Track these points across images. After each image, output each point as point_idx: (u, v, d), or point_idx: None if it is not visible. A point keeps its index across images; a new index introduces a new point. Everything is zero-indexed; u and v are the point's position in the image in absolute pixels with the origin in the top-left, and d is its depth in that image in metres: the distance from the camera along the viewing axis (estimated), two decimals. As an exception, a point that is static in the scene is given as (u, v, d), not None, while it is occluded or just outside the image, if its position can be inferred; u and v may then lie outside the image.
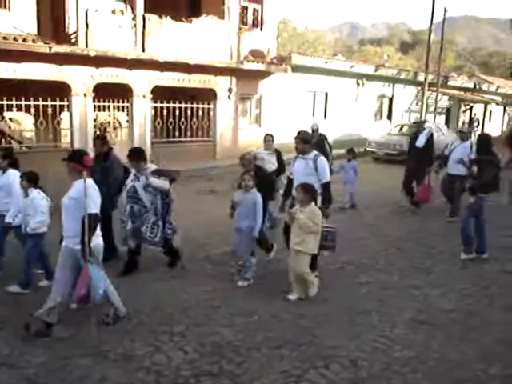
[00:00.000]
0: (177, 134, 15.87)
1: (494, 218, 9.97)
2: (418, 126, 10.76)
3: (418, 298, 5.79)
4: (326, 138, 11.88)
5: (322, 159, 6.23)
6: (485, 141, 7.43)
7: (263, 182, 6.35)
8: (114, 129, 15.12)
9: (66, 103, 13.70)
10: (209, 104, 16.73)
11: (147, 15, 14.49)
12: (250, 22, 17.92)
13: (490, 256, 7.35)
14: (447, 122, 27.71)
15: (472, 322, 5.17)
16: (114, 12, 14.17)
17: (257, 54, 17.53)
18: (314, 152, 6.34)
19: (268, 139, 9.26)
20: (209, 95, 16.70)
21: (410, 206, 10.35)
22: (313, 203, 5.59)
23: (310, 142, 6.60)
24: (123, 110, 14.85)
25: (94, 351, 4.39)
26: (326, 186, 6.06)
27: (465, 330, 5.00)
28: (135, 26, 14.29)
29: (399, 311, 5.39)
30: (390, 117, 25.08)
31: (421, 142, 10.06)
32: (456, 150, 9.20)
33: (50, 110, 13.08)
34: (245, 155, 6.77)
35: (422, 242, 8.08)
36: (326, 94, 21.33)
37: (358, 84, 22.59)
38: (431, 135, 10.29)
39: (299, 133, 6.52)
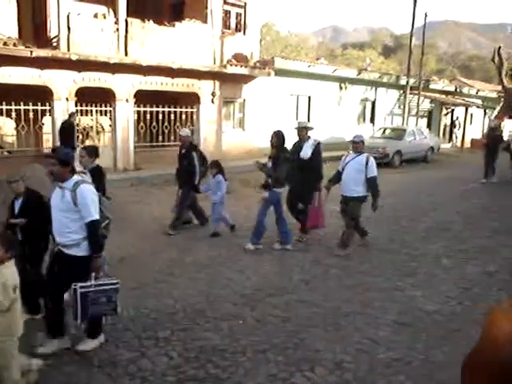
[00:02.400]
0: (160, 138, 15.82)
1: (475, 219, 10.16)
2: (300, 132, 8.26)
3: (401, 300, 5.84)
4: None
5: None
6: (279, 137, 7.47)
7: None
8: (97, 133, 15.02)
9: (47, 107, 13.58)
10: (192, 108, 16.70)
11: (130, 19, 14.43)
12: (232, 26, 17.94)
13: (468, 256, 7.45)
14: (429, 125, 28.00)
15: (455, 324, 5.22)
16: (96, 16, 14.11)
17: (240, 58, 17.55)
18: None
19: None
20: (192, 99, 16.67)
21: (300, 232, 8.31)
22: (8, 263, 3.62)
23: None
24: (106, 115, 14.77)
25: (79, 357, 4.35)
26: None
27: (448, 331, 5.05)
28: (118, 30, 14.23)
29: (383, 313, 5.42)
30: (372, 120, 25.25)
31: (306, 153, 7.92)
32: (350, 164, 7.45)
33: (31, 115, 12.96)
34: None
35: (406, 244, 8.15)
36: (309, 97, 21.42)
37: (341, 88, 22.72)
38: (318, 144, 8.08)
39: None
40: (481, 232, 9.12)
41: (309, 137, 8.14)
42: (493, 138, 15.16)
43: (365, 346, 4.69)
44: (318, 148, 8.02)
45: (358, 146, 7.47)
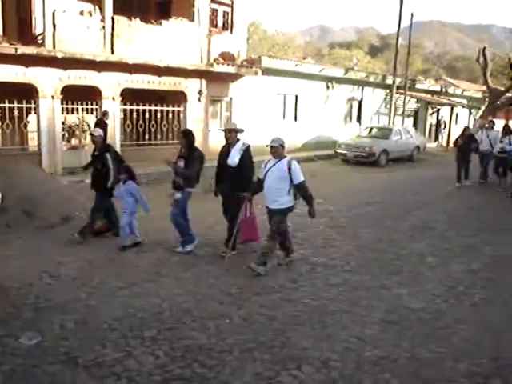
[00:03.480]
0: (147, 136, 15.74)
1: (460, 218, 10.25)
2: (229, 135, 7.22)
3: (388, 298, 5.87)
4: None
5: None
6: (188, 137, 7.26)
7: None
8: (83, 131, 14.90)
9: (33, 105, 13.47)
10: (179, 106, 16.65)
11: (116, 17, 14.34)
12: (220, 24, 17.90)
13: (453, 254, 7.51)
14: (415, 125, 28.19)
15: (440, 321, 5.27)
16: (82, 13, 14.00)
17: (227, 57, 17.52)
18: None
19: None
20: (179, 98, 16.62)
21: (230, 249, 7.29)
22: None
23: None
24: (92, 113, 14.66)
25: (64, 358, 4.32)
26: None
27: (433, 329, 5.09)
28: (104, 27, 14.13)
29: (370, 312, 5.45)
30: (359, 119, 25.37)
31: (234, 159, 7.03)
32: (271, 172, 6.54)
33: (16, 113, 12.83)
34: None
35: (392, 243, 8.20)
36: (296, 96, 21.47)
37: (328, 87, 22.79)
38: (247, 148, 7.20)
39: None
40: (465, 231, 9.20)
41: (238, 139, 7.22)
42: (466, 138, 14.35)
43: (351, 344, 4.70)
44: (247, 153, 7.13)
45: (276, 150, 6.51)
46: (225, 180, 7.16)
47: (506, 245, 8.28)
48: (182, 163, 7.12)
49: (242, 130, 7.44)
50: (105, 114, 14.18)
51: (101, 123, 13.46)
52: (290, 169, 6.37)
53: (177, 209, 7.27)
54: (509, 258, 7.59)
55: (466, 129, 15.10)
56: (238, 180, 6.96)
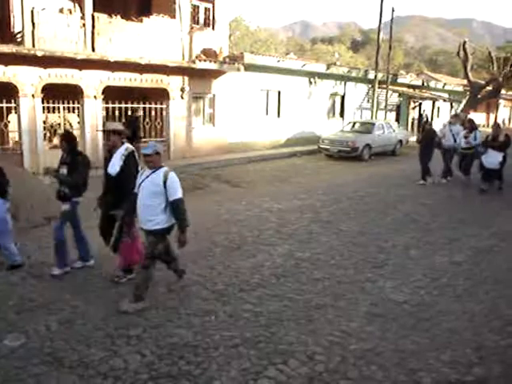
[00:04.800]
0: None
1: (442, 211, 10.36)
2: (111, 138, 6.12)
3: (372, 291, 5.92)
4: None
5: None
6: (69, 141, 6.24)
7: None
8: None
9: (13, 105, 13.31)
10: (161, 104, 16.58)
11: (96, 14, 14.22)
12: (201, 21, 17.84)
13: (436, 247, 7.60)
14: (398, 119, 28.38)
15: (424, 313, 5.33)
16: (61, 11, 13.85)
17: (209, 54, 17.49)
18: None
19: None
20: (161, 95, 16.55)
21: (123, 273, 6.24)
22: None
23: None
24: (74, 111, 14.54)
25: (49, 359, 4.29)
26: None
27: (417, 320, 5.15)
28: (84, 25, 14.01)
29: (355, 305, 5.50)
30: (342, 114, 25.47)
31: (114, 167, 5.94)
32: (145, 186, 5.38)
33: (-4, 112, 12.70)
34: None
35: (376, 237, 8.26)
36: (279, 92, 21.49)
37: (311, 82, 22.85)
38: (130, 154, 6.02)
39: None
40: (448, 223, 9.31)
41: (122, 143, 6.10)
42: (426, 132, 13.72)
43: (337, 337, 4.74)
44: (130, 160, 5.99)
45: (151, 159, 5.32)
46: (105, 193, 6.14)
47: (486, 237, 8.41)
48: (64, 170, 6.15)
49: (125, 132, 6.44)
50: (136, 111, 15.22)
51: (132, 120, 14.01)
52: (165, 182, 5.23)
53: (61, 223, 6.27)
54: (490, 250, 7.70)
55: (425, 123, 14.63)
56: (118, 193, 5.86)
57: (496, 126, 12.93)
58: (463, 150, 13.22)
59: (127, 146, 6.08)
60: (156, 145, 5.42)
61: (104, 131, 6.38)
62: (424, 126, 14.22)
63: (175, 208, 5.29)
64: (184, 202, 5.34)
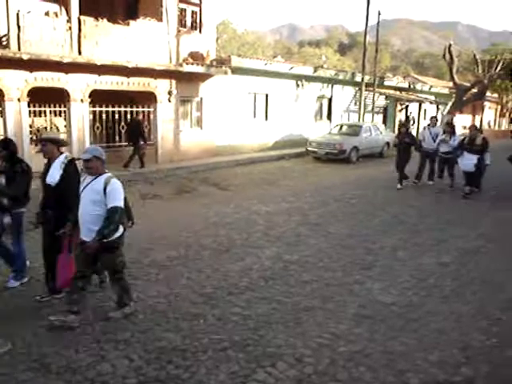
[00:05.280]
0: (117, 138, 15.58)
1: (430, 212, 10.44)
2: (45, 148, 5.70)
3: (360, 293, 5.94)
4: None
5: None
6: (8, 148, 5.83)
7: None
8: (52, 134, 14.64)
9: (-2, 109, 13.19)
10: (149, 107, 16.52)
11: (82, 17, 14.13)
12: (188, 24, 17.81)
13: (423, 248, 7.65)
14: (385, 121, 28.56)
15: (412, 314, 5.36)
16: (47, 14, 13.75)
17: (196, 57, 17.46)
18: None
19: None
20: (149, 98, 16.48)
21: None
22: None
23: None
24: (60, 115, 14.44)
25: (36, 365, 4.25)
26: None
27: (405, 321, 5.18)
28: (70, 28, 13.91)
29: (343, 307, 5.51)
30: (329, 117, 25.56)
31: (53, 177, 5.49)
32: (86, 193, 4.95)
33: (-19, 117, 12.57)
34: None
35: (364, 239, 8.30)
36: (267, 95, 21.51)
37: (298, 85, 22.91)
38: (70, 162, 5.55)
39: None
40: (435, 224, 9.39)
41: (61, 153, 5.67)
42: (402, 136, 13.44)
43: (325, 339, 4.75)
44: (71, 168, 5.51)
45: (90, 165, 4.90)
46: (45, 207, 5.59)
47: (473, 238, 8.49)
48: (2, 180, 5.68)
49: (63, 142, 6.09)
50: (137, 113, 15.71)
51: (134, 123, 15.10)
52: (105, 189, 4.81)
53: (15, 236, 5.95)
54: (477, 251, 7.77)
55: (401, 126, 14.19)
56: (60, 206, 5.37)
57: (473, 128, 12.78)
58: (443, 155, 13.05)
59: (67, 154, 5.68)
60: (96, 149, 5.06)
61: (41, 141, 5.84)
62: (400, 129, 13.94)
63: (109, 215, 4.77)
64: (121, 213, 4.87)
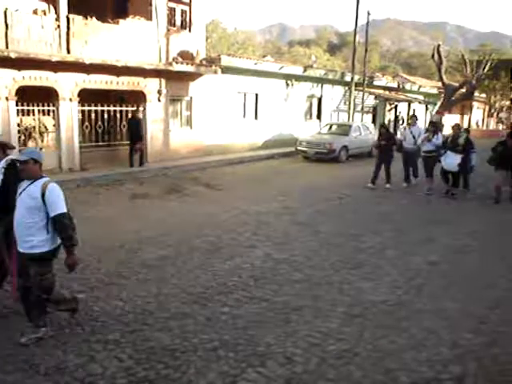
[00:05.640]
0: (106, 137, 15.50)
1: (418, 210, 10.50)
2: None
3: (350, 292, 5.96)
4: None
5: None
6: None
7: None
8: (40, 134, 14.56)
9: (-15, 108, 13.07)
10: (138, 106, 16.45)
11: (71, 16, 14.05)
12: (178, 23, 17.77)
13: (412, 247, 7.71)
14: (374, 121, 28.67)
15: (401, 313, 5.39)
16: (35, 12, 13.66)
17: (186, 56, 17.43)
18: None
19: None
20: (138, 97, 16.43)
21: None
22: None
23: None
24: (49, 114, 14.34)
25: (24, 366, 4.22)
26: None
27: (395, 320, 5.20)
28: (59, 26, 13.82)
29: (333, 306, 5.53)
30: (319, 116, 25.62)
31: None
32: (21, 199, 4.51)
33: (-32, 115, 12.45)
34: None
35: (353, 238, 8.33)
36: (257, 94, 21.52)
37: (288, 84, 22.94)
38: (11, 166, 5.05)
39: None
40: (423, 223, 9.45)
41: (6, 155, 5.38)
42: (384, 136, 13.24)
43: (315, 338, 4.76)
44: (10, 171, 5.05)
45: (26, 167, 4.50)
46: None
47: (460, 237, 8.55)
48: None
49: (9, 145, 5.71)
50: (136, 111, 15.82)
51: (134, 122, 15.45)
52: (44, 195, 4.42)
53: None
54: (464, 249, 7.83)
55: (381, 127, 13.84)
56: (3, 211, 4.95)
57: (456, 127, 12.56)
58: (425, 154, 12.58)
59: (8, 157, 5.29)
60: (34, 151, 4.78)
61: None
62: (380, 129, 13.64)
63: (58, 225, 4.45)
64: (69, 217, 4.55)
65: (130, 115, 15.83)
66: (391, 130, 29.85)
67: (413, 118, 14.12)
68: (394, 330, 4.96)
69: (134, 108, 16.16)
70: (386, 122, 30.09)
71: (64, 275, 6.30)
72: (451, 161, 11.81)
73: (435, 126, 12.94)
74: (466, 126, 43.72)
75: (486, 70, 34.00)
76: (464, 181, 12.50)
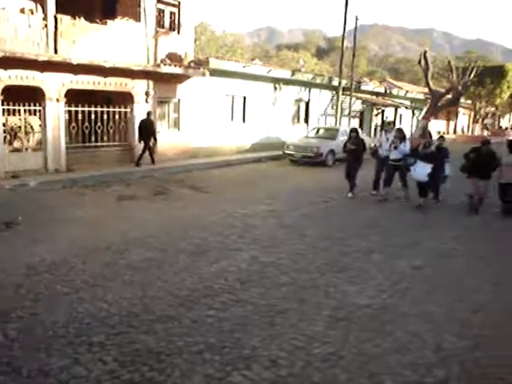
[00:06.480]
0: (93, 138, 15.42)
1: (403, 214, 10.57)
2: None
3: (335, 295, 5.98)
4: None
5: None
6: None
7: None
8: (26, 134, 14.43)
9: (-29, 107, 12.94)
10: (126, 108, 16.39)
11: (59, 16, 13.96)
12: (166, 25, 17.74)
13: (397, 250, 7.76)
14: (361, 125, 28.84)
15: (386, 316, 5.42)
16: (22, 11, 13.55)
17: (174, 58, 17.40)
18: None
19: None
20: (126, 98, 16.36)
21: None
22: None
23: None
24: (35, 114, 14.23)
25: (6, 368, 4.18)
26: None
27: (380, 323, 5.23)
28: (46, 26, 13.73)
29: (318, 309, 5.54)
30: (307, 120, 25.71)
31: None
32: None
33: (-47, 114, 12.30)
34: None
35: (339, 241, 8.37)
36: (245, 97, 21.55)
37: (276, 88, 23.00)
38: None
39: None
40: (408, 227, 9.52)
41: None
42: (354, 141, 12.57)
43: (300, 342, 4.77)
44: None
45: None
46: None
47: (445, 241, 8.63)
48: None
49: None
50: (149, 113, 16.32)
51: (148, 122, 16.05)
52: None
53: None
54: (449, 253, 7.90)
55: (352, 130, 13.17)
56: None
57: (428, 135, 11.94)
58: (393, 162, 12.00)
59: None
60: None
61: None
62: (350, 133, 12.98)
63: None
64: None
65: (144, 116, 16.34)
66: (378, 134, 30.17)
67: (390, 125, 13.68)
68: (379, 334, 4.99)
69: (123, 109, 16.10)
70: (373, 126, 30.33)
71: (48, 276, 6.29)
72: (421, 170, 11.04)
73: (402, 133, 12.30)
74: (450, 131, 44.15)
75: (471, 76, 34.40)
76: (434, 191, 11.84)
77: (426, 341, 4.87)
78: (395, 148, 11.88)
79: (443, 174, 11.61)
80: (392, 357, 4.55)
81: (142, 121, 16.16)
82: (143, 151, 16.05)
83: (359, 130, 13.66)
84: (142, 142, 16.11)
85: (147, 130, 15.98)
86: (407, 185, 12.24)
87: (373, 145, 13.14)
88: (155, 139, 16.26)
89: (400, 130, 12.49)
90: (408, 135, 13.20)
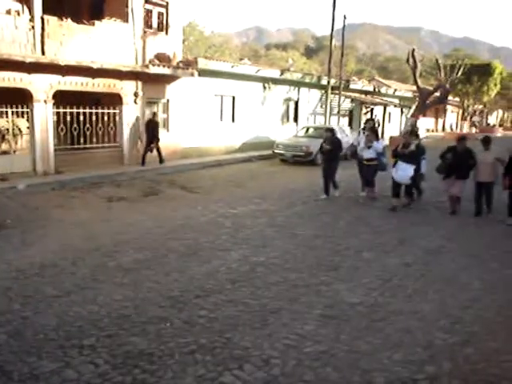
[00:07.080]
0: (82, 140, 15.34)
1: (394, 212, 10.61)
2: None
3: (326, 294, 6.00)
4: None
5: None
6: None
7: None
8: (14, 136, 14.33)
9: (-43, 109, 12.82)
10: (114, 109, 16.32)
11: (46, 17, 13.86)
12: (154, 25, 17.66)
13: (387, 249, 7.79)
14: (350, 124, 28.92)
15: (377, 314, 5.44)
16: (9, 12, 13.44)
17: (162, 58, 17.33)
18: None
19: None
20: (114, 100, 16.29)
21: None
22: None
23: None
24: (23, 116, 14.13)
25: (-4, 372, 4.15)
26: None
27: (370, 321, 5.25)
28: (33, 27, 13.63)
29: (309, 308, 5.55)
30: (296, 119, 25.73)
31: None
32: None
33: None
34: None
35: (329, 240, 8.39)
36: (234, 97, 21.53)
37: (265, 88, 23.00)
38: None
39: None
40: (398, 225, 9.56)
41: None
42: (330, 141, 12.02)
43: (292, 340, 4.78)
44: None
45: None
46: None
47: (434, 238, 8.68)
48: None
49: None
50: (155, 114, 16.93)
51: (153, 122, 16.62)
52: None
53: None
54: (438, 251, 7.95)
55: (327, 129, 12.66)
56: None
57: (407, 135, 11.51)
58: (367, 162, 11.71)
59: None
60: None
61: None
62: (326, 133, 12.44)
63: None
64: None
65: (150, 117, 16.92)
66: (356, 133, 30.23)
67: (369, 123, 13.29)
68: (370, 331, 5.01)
69: (112, 110, 16.03)
70: (363, 124, 30.41)
71: (38, 279, 6.25)
72: (403, 173, 10.63)
73: (375, 131, 12.02)
74: (439, 129, 44.42)
75: (459, 74, 34.63)
76: (409, 190, 11.23)
77: (417, 337, 4.89)
78: (369, 147, 11.58)
79: (419, 171, 11.10)
80: (383, 354, 4.57)
81: (149, 120, 16.76)
82: (145, 151, 16.56)
83: (335, 129, 13.41)
84: (146, 141, 16.71)
85: (153, 130, 16.55)
86: (375, 185, 11.96)
87: (353, 144, 12.78)
88: (158, 139, 16.70)
89: (372, 128, 12.12)
90: (397, 133, 13.07)
